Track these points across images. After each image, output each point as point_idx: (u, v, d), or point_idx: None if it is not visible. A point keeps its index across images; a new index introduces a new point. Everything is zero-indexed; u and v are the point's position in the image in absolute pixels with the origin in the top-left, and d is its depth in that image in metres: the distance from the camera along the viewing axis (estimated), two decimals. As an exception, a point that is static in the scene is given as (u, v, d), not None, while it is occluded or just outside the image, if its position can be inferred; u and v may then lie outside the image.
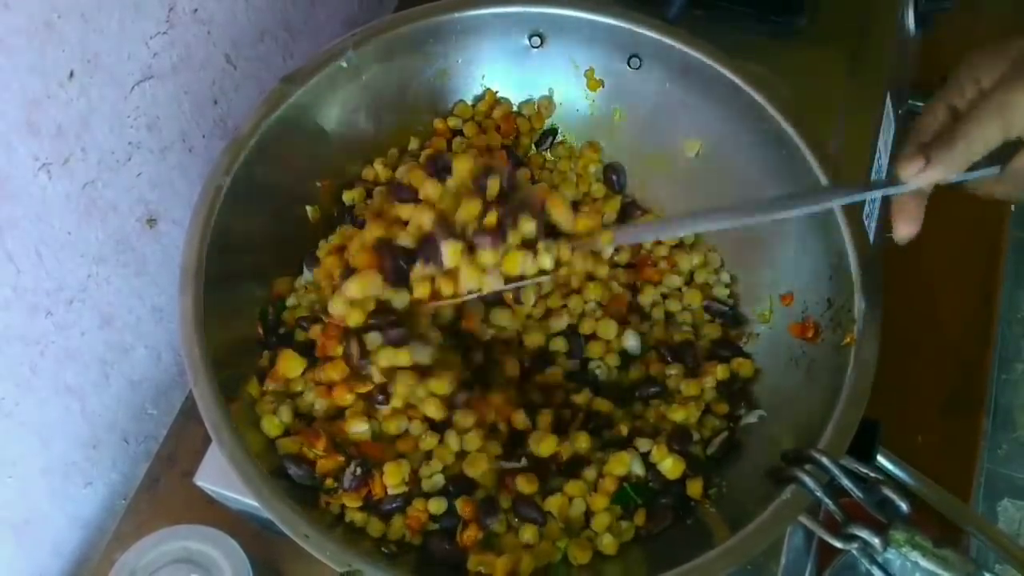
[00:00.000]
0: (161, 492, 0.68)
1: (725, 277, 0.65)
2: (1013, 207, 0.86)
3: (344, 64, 0.62)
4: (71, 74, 0.54)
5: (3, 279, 0.54)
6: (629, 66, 0.67)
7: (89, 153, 0.58)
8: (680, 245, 0.67)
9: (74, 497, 0.68)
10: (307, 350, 0.58)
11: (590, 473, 0.57)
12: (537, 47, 0.67)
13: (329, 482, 0.54)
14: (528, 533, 0.54)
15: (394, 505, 0.54)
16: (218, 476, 0.57)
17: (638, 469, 0.57)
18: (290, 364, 0.57)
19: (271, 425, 0.55)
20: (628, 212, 0.69)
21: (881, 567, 0.46)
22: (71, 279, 0.60)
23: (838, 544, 0.47)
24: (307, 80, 0.61)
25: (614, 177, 0.69)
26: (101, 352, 0.65)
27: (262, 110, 0.59)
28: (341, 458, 0.54)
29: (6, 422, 0.58)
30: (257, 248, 0.61)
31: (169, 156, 0.65)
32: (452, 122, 0.69)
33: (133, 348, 0.68)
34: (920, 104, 0.91)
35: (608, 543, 0.55)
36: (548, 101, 0.70)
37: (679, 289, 0.66)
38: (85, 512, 0.69)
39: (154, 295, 0.68)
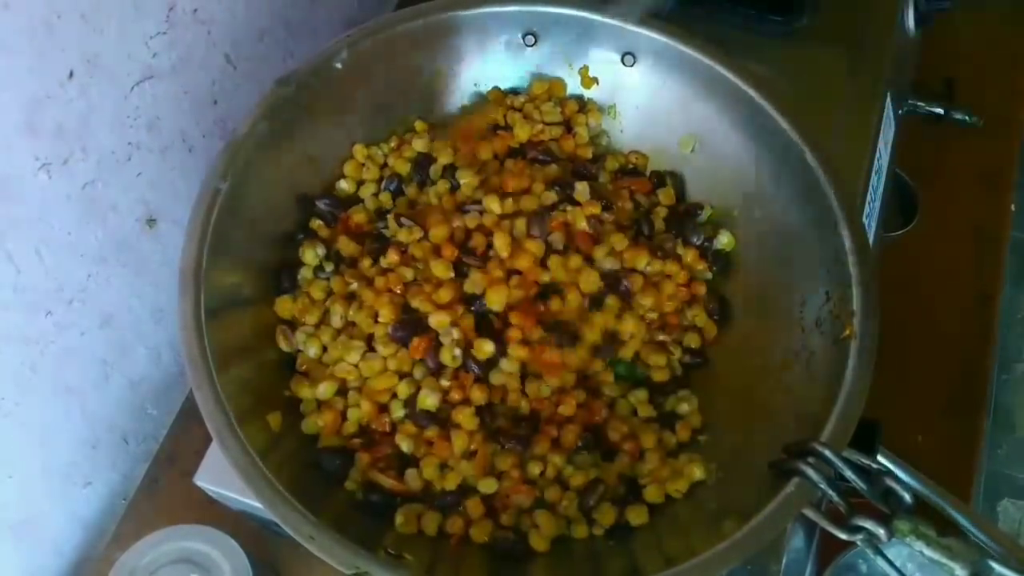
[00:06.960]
0: (161, 492, 0.68)
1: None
2: (1013, 207, 0.86)
3: (338, 65, 0.62)
4: (71, 74, 0.54)
5: (3, 279, 0.54)
6: (623, 63, 0.67)
7: (89, 153, 0.58)
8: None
9: (74, 497, 0.68)
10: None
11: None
12: (531, 46, 0.67)
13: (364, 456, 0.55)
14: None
15: (448, 499, 0.55)
16: (218, 476, 0.56)
17: (701, 473, 0.56)
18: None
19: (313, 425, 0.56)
20: None
21: (886, 558, 0.46)
22: (71, 279, 0.60)
23: (843, 536, 0.46)
24: (302, 81, 0.61)
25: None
26: (101, 352, 0.65)
27: (258, 112, 0.59)
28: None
29: (6, 422, 0.58)
30: (256, 249, 0.61)
31: (169, 156, 0.65)
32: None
33: (133, 348, 0.68)
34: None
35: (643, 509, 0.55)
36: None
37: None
38: (85, 512, 0.69)
39: (154, 295, 0.68)
